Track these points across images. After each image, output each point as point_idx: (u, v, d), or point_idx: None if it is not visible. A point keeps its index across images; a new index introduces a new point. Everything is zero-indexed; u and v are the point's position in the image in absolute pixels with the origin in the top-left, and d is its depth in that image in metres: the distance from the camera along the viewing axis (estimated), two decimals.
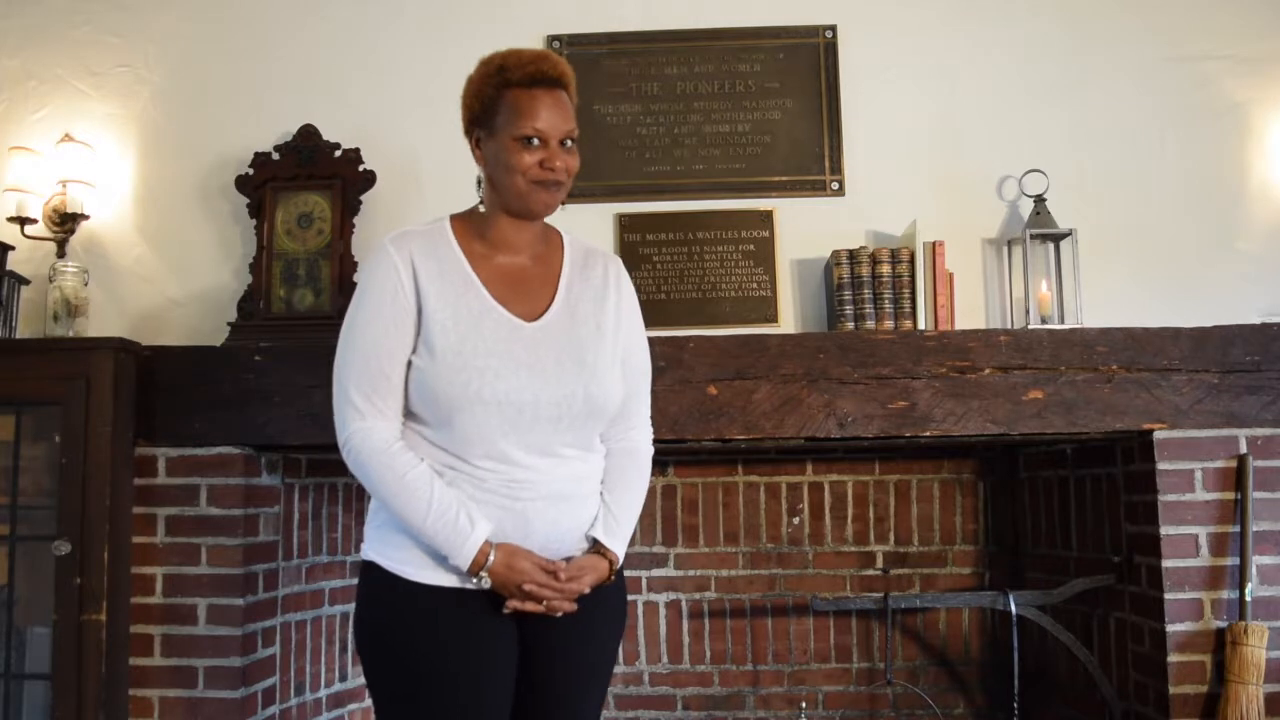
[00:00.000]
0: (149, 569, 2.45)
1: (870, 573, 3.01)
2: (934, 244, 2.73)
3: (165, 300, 2.90)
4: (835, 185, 2.94)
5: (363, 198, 2.86)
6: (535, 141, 1.57)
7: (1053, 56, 2.95)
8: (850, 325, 2.74)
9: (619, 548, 1.65)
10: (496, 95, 1.60)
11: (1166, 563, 2.38)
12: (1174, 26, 2.94)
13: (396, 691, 1.56)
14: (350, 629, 2.85)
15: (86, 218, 2.82)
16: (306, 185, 2.83)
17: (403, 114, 2.93)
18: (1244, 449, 2.41)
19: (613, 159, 2.97)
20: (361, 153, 2.86)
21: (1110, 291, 2.82)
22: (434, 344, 1.55)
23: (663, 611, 3.02)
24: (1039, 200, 2.81)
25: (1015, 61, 2.95)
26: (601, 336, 1.65)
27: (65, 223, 2.80)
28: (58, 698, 2.31)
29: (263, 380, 2.46)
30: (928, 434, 2.43)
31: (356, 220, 2.84)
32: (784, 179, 2.96)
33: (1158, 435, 2.41)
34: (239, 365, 2.47)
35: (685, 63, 3.00)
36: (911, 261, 2.74)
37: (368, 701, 2.88)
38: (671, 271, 2.92)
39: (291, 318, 2.75)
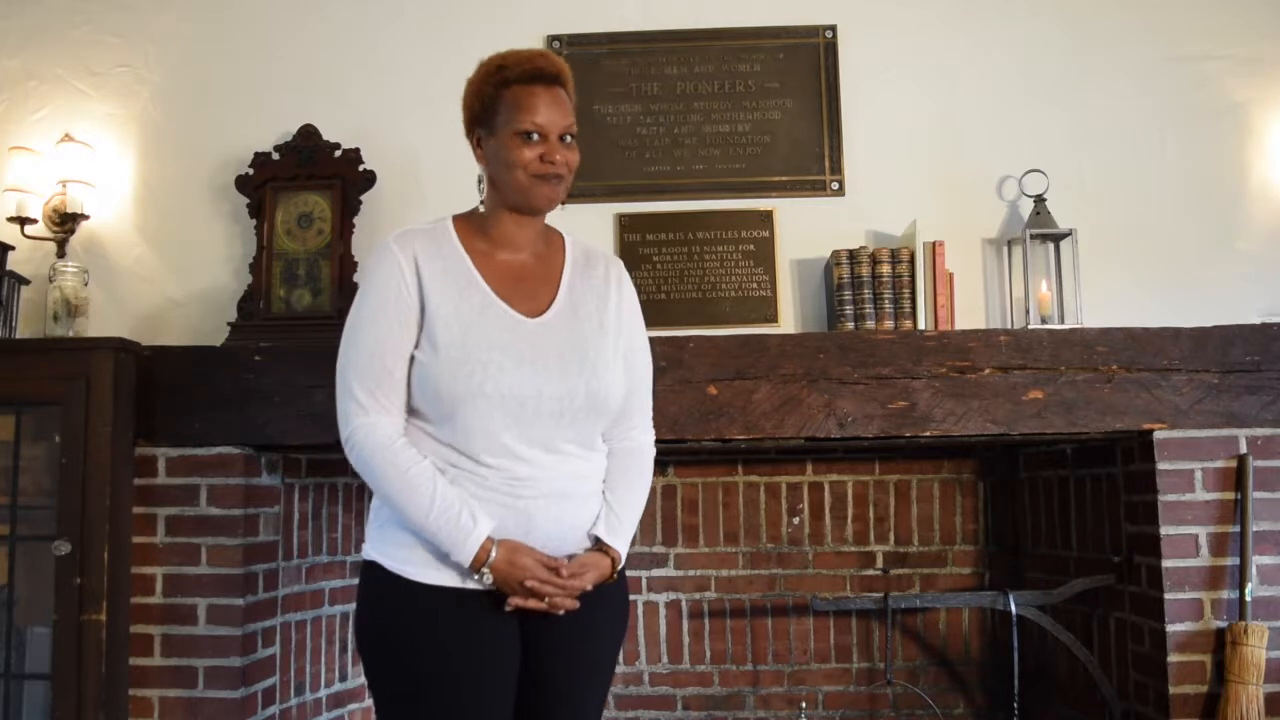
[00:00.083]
0: (149, 569, 2.45)
1: (870, 573, 3.01)
2: (934, 244, 2.73)
3: (165, 300, 2.90)
4: (835, 185, 2.94)
5: (363, 198, 2.86)
6: (535, 136, 1.60)
7: (1053, 56, 2.95)
8: (850, 325, 2.74)
9: (621, 546, 1.66)
10: (496, 93, 1.63)
11: (1166, 563, 2.38)
12: (1174, 26, 2.94)
13: (398, 691, 1.56)
14: (351, 629, 2.85)
15: (86, 218, 2.82)
16: (306, 185, 2.84)
17: (403, 114, 2.93)
18: (1244, 449, 2.41)
19: (613, 159, 2.97)
20: (361, 153, 2.87)
21: (1110, 291, 2.83)
22: (437, 338, 1.56)
23: (663, 611, 3.02)
24: (1039, 200, 2.81)
25: (1015, 61, 2.96)
26: (604, 334, 1.67)
27: (65, 223, 2.81)
28: (58, 698, 2.31)
29: (263, 380, 2.46)
30: (928, 434, 2.43)
31: (356, 220, 2.84)
32: (784, 179, 2.96)
33: (1158, 435, 2.41)
34: (239, 365, 2.47)
35: (685, 63, 3.00)
36: (911, 261, 2.74)
37: (368, 701, 2.88)
38: (671, 271, 2.92)
39: (291, 318, 2.75)
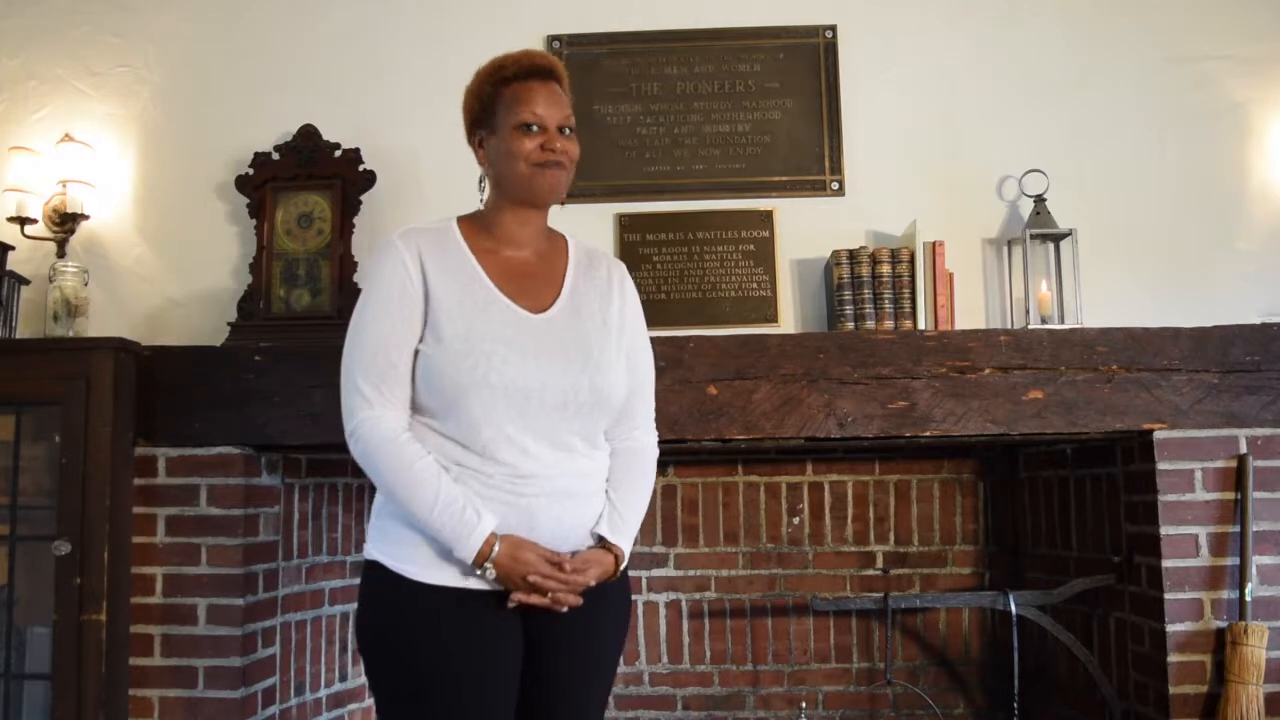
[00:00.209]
0: (149, 569, 2.45)
1: (870, 573, 3.01)
2: (934, 244, 2.73)
3: (165, 300, 2.90)
4: (835, 185, 2.94)
5: (363, 198, 2.86)
6: (535, 128, 1.64)
7: (1053, 56, 2.95)
8: (850, 325, 2.74)
9: (625, 544, 1.66)
10: (494, 92, 1.67)
11: (1166, 563, 2.38)
12: (1174, 27, 2.94)
13: (399, 691, 1.56)
14: (352, 629, 2.85)
15: (86, 218, 2.82)
16: (306, 185, 2.84)
17: (403, 114, 2.93)
18: (1244, 449, 2.42)
19: (613, 159, 2.97)
20: (361, 153, 2.86)
21: (1110, 291, 2.83)
22: (441, 330, 1.58)
23: (663, 611, 3.02)
24: (1039, 200, 2.81)
25: (1015, 61, 2.95)
26: (606, 332, 1.68)
27: (65, 223, 2.81)
28: (58, 698, 2.31)
29: (263, 380, 2.46)
30: (928, 434, 2.43)
31: (356, 220, 2.84)
32: (784, 179, 2.96)
33: (1158, 435, 2.41)
34: (239, 365, 2.47)
35: (685, 63, 3.00)
36: (911, 261, 2.74)
37: (368, 701, 2.88)
38: (671, 271, 2.92)
39: (291, 318, 2.75)
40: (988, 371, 2.44)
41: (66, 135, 2.84)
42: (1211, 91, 2.92)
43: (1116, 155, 2.91)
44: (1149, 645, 2.45)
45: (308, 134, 2.87)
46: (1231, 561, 2.39)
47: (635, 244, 2.93)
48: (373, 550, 1.63)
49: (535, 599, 1.56)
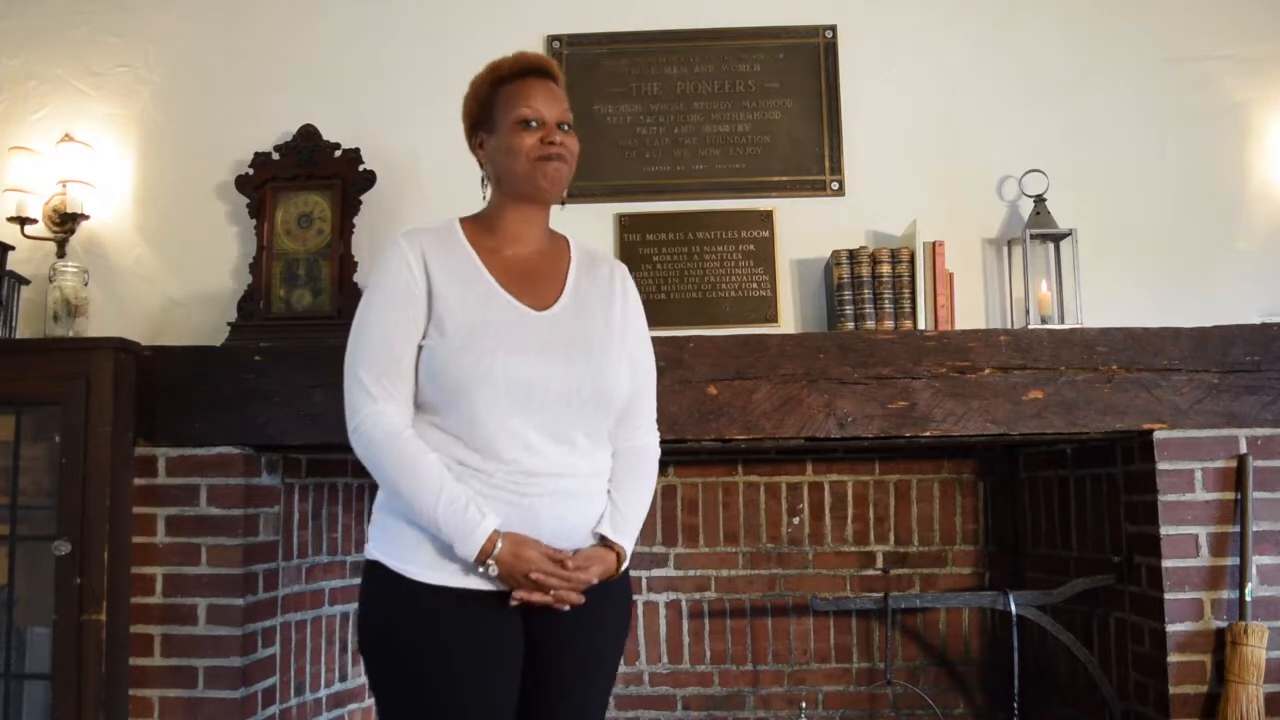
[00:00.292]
0: (149, 569, 2.45)
1: (870, 573, 3.01)
2: (934, 244, 2.73)
3: (165, 300, 2.90)
4: (835, 185, 2.94)
5: (363, 198, 2.86)
6: (534, 124, 1.65)
7: (1053, 56, 2.95)
8: (850, 325, 2.74)
9: (627, 543, 1.67)
10: (493, 92, 1.69)
11: (1166, 563, 2.38)
12: (1174, 27, 2.94)
13: (400, 691, 1.57)
14: (352, 628, 2.86)
15: (86, 218, 2.82)
16: (306, 185, 2.84)
17: (403, 114, 2.93)
18: (1244, 449, 2.42)
19: (613, 159, 2.97)
20: (361, 153, 2.86)
21: (1110, 291, 2.83)
22: (445, 325, 1.59)
23: (663, 611, 3.02)
24: (1039, 200, 2.81)
25: (1015, 61, 2.95)
26: (609, 331, 1.69)
27: (65, 223, 2.81)
28: (58, 698, 2.31)
29: (263, 380, 2.46)
30: (928, 434, 2.43)
31: (356, 220, 2.84)
32: (784, 179, 2.96)
33: (1158, 435, 2.41)
34: (239, 365, 2.47)
35: (685, 63, 3.00)
36: (911, 261, 2.74)
37: (368, 701, 2.88)
38: (671, 271, 2.92)
39: (291, 318, 2.75)
40: (988, 371, 2.44)
41: (66, 135, 2.84)
42: (1211, 91, 2.92)
43: (1116, 155, 2.91)
44: (1149, 645, 2.45)
45: (308, 134, 2.87)
46: (1231, 561, 2.39)
47: (635, 244, 2.93)
48: (374, 550, 1.63)
49: (537, 597, 1.56)
